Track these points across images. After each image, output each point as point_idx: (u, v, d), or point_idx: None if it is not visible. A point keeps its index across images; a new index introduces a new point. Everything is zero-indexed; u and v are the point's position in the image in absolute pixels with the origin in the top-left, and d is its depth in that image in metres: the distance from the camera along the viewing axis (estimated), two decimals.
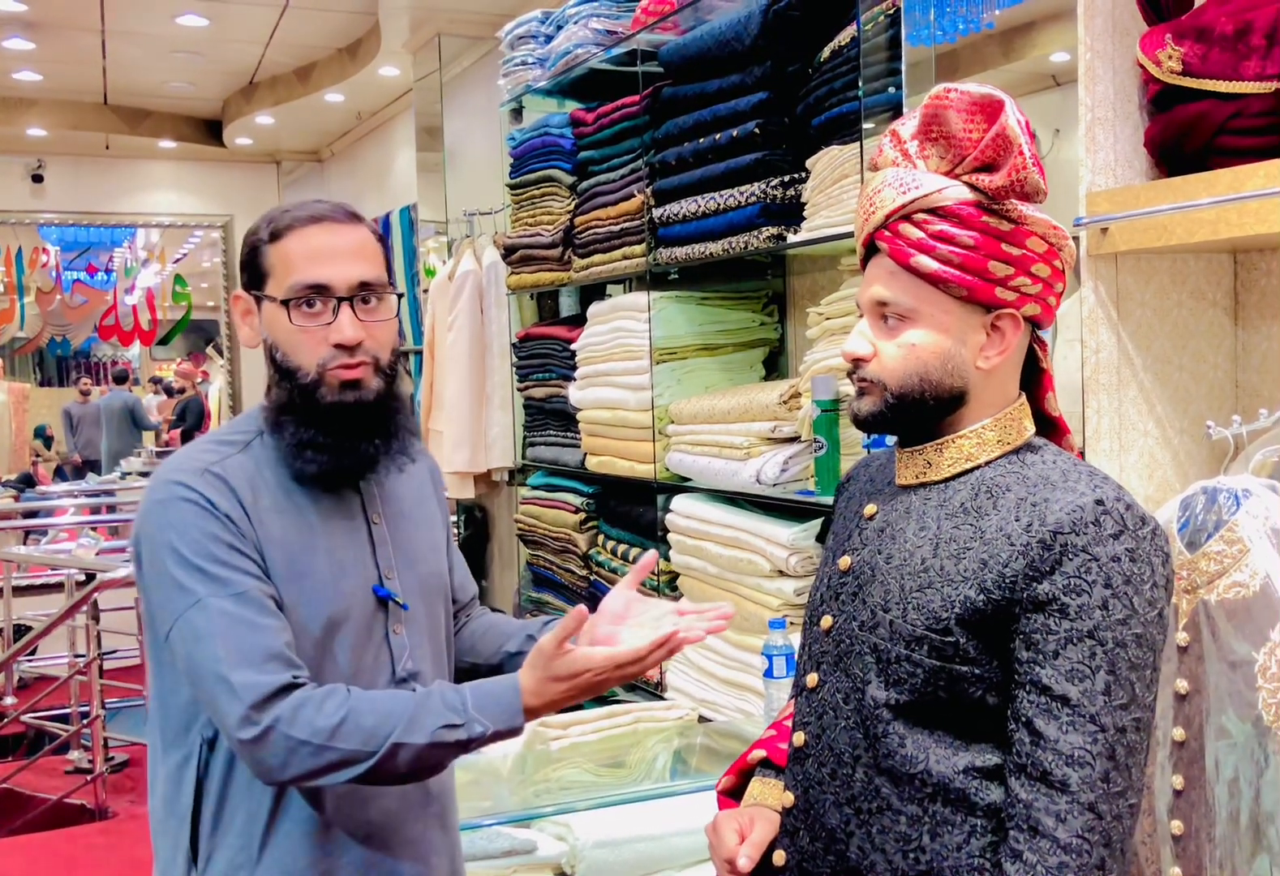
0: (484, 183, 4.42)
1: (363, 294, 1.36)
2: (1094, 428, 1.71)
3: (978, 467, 1.26)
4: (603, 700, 3.38)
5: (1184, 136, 1.62)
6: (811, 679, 1.31)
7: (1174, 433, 1.77)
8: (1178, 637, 1.54)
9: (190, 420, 10.46)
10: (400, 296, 1.46)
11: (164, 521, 1.31)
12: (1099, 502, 1.15)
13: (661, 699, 2.89)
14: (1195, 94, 1.59)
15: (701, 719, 2.60)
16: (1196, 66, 1.58)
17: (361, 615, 1.39)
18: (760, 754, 1.41)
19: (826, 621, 1.30)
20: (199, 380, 11.33)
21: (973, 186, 1.20)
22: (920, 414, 1.25)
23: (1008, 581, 1.15)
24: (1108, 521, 1.14)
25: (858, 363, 1.26)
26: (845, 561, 1.30)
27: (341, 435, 1.35)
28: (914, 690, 1.19)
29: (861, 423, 1.30)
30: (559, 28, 3.39)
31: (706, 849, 1.38)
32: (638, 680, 3.10)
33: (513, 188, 3.77)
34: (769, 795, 1.37)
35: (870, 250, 1.26)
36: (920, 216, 1.20)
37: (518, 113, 3.83)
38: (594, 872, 2.04)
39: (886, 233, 1.22)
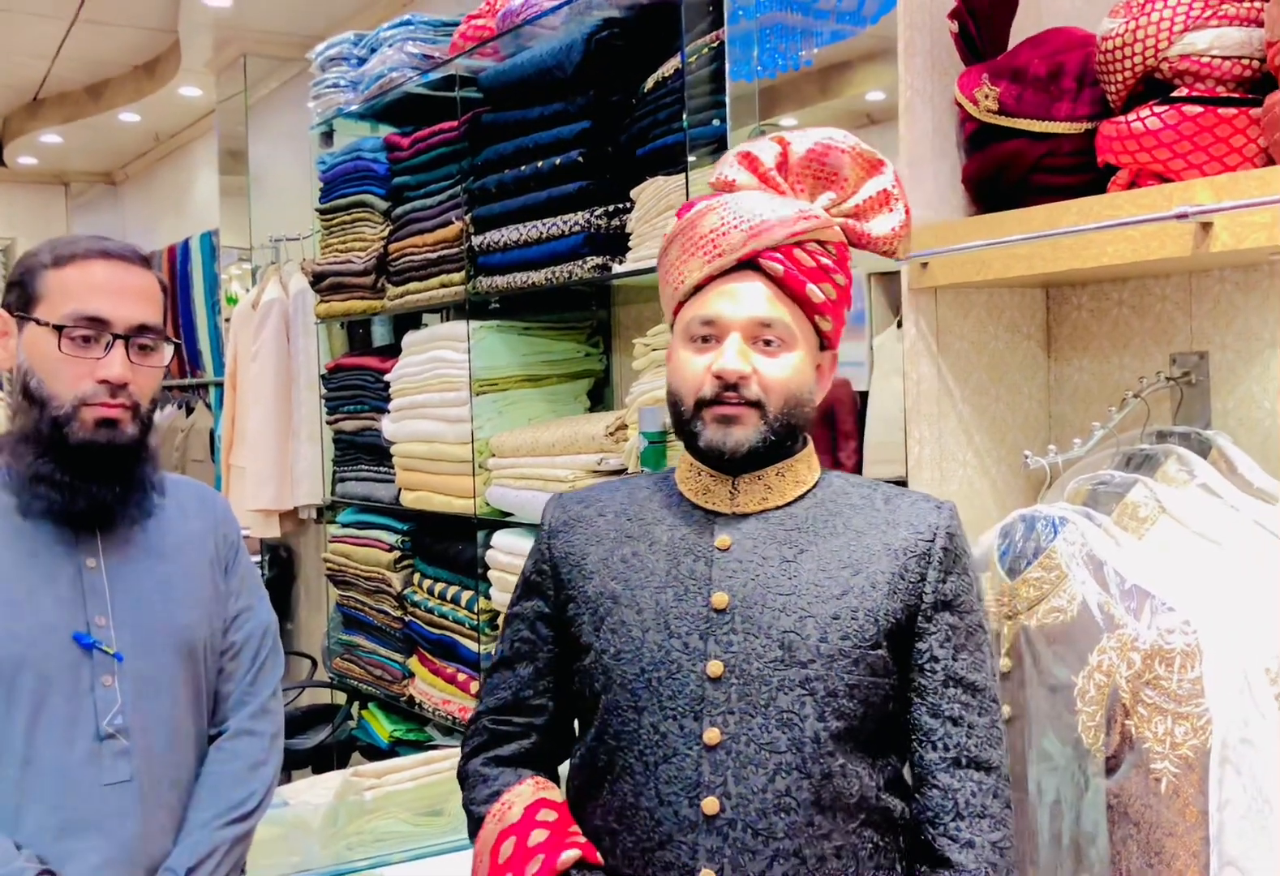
0: (291, 208, 4.27)
1: (140, 337, 1.34)
2: (916, 458, 1.73)
3: (809, 490, 1.28)
4: (420, 746, 3.26)
5: (1000, 173, 1.67)
6: (711, 735, 1.17)
7: (991, 462, 1.81)
8: (1000, 664, 1.56)
9: None
10: (176, 346, 1.42)
11: None
12: (952, 508, 1.27)
13: None
14: (1010, 132, 1.64)
15: None
16: (1012, 106, 1.63)
17: (51, 662, 1.30)
18: (574, 854, 1.20)
19: (715, 668, 1.18)
20: None
21: (843, 229, 1.25)
22: (789, 440, 1.25)
23: (916, 587, 1.22)
24: (959, 524, 1.27)
25: (739, 383, 1.19)
26: (721, 598, 1.20)
27: (82, 475, 1.31)
28: (853, 715, 1.18)
29: (732, 458, 1.22)
30: (373, 50, 3.30)
31: None
32: (455, 723, 3.02)
33: (323, 213, 3.64)
34: None
35: (733, 267, 1.21)
36: (813, 246, 1.22)
37: (329, 136, 3.71)
38: None
39: (779, 255, 1.20)
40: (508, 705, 1.33)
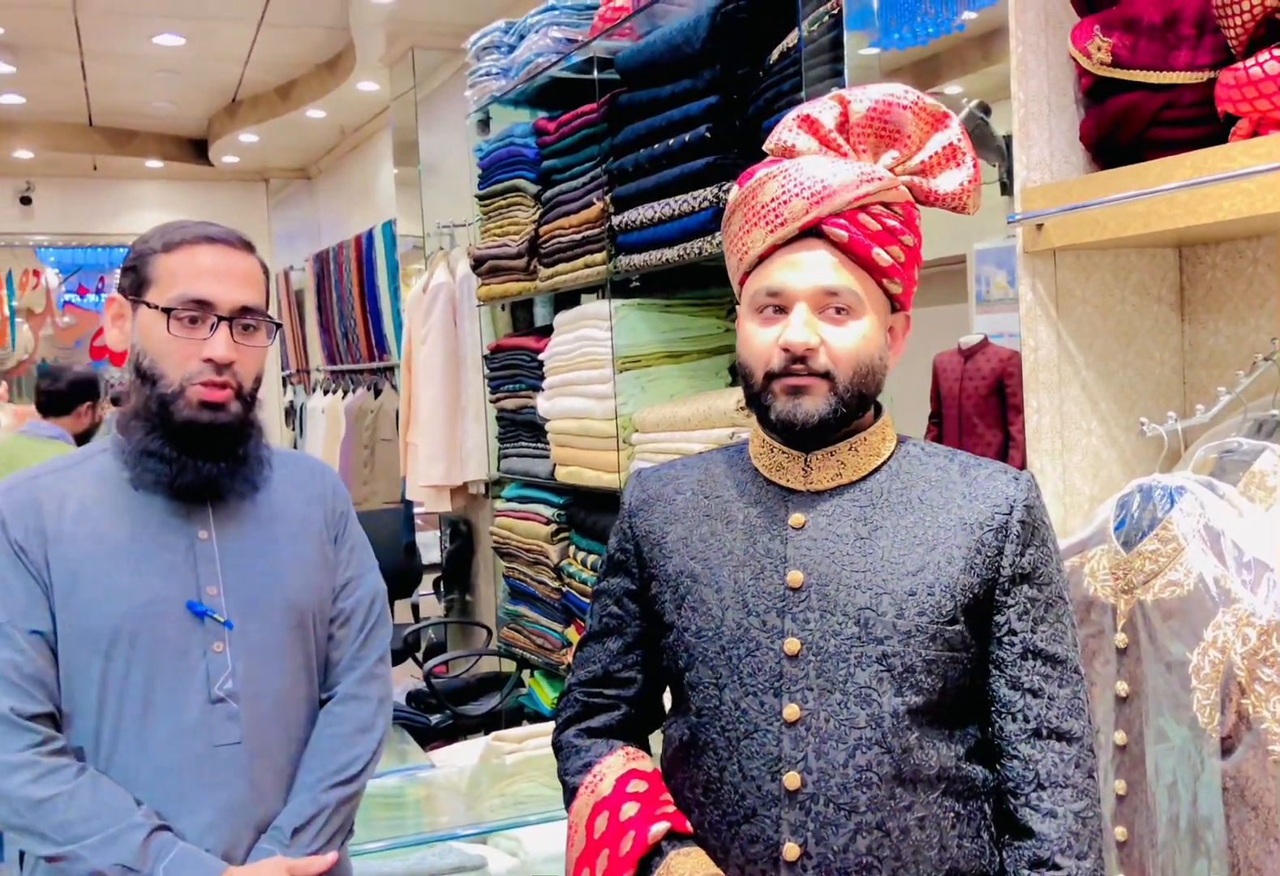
0: (460, 196, 4.41)
1: (243, 319, 1.40)
2: (1034, 426, 1.68)
3: (884, 463, 1.26)
4: None
5: (1116, 129, 1.59)
6: (791, 711, 1.18)
7: (1119, 431, 1.74)
8: (1116, 639, 1.51)
9: None
10: (279, 327, 1.49)
11: None
12: (1030, 479, 1.25)
13: None
14: (1126, 85, 1.56)
15: None
16: (1126, 57, 1.55)
17: (167, 629, 1.38)
18: (663, 827, 1.21)
19: (793, 645, 1.19)
20: None
21: (909, 187, 1.22)
22: (858, 411, 1.23)
23: (993, 561, 1.21)
24: (1038, 495, 1.25)
25: (806, 355, 1.18)
26: (796, 577, 1.20)
27: (187, 451, 1.38)
28: (931, 689, 1.18)
29: (803, 430, 1.20)
30: (521, 37, 3.38)
31: None
32: None
33: (481, 199, 3.75)
34: (700, 866, 1.20)
35: (797, 236, 1.19)
36: (877, 209, 1.20)
37: (485, 123, 3.81)
38: None
39: (842, 221, 1.18)
40: (598, 678, 1.36)
